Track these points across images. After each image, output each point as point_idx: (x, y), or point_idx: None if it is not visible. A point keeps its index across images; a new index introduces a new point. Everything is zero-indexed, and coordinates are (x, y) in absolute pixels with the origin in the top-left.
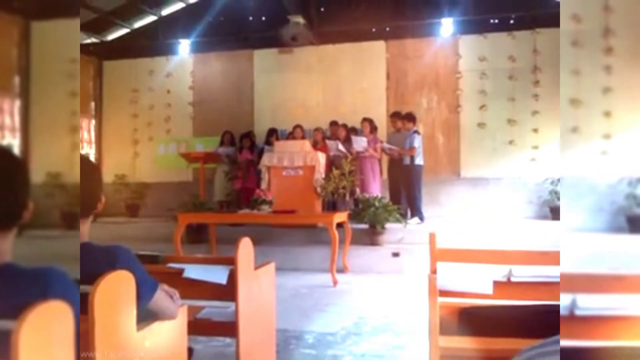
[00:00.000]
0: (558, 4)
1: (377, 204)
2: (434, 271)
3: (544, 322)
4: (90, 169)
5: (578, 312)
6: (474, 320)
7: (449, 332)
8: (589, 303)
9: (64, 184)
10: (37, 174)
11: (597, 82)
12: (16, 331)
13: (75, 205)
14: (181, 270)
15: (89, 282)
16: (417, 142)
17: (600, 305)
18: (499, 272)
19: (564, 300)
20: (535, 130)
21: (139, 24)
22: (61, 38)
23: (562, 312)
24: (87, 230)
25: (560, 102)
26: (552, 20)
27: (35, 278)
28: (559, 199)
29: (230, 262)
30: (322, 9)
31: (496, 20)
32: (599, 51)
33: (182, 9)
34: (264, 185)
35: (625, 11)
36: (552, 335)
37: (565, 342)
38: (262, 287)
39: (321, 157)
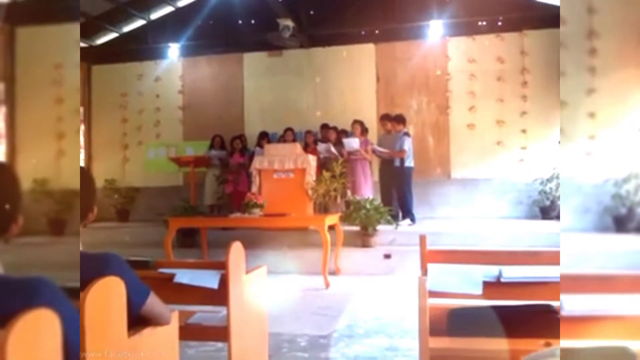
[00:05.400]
0: (545, 6)
1: (368, 205)
2: (424, 273)
3: (532, 322)
4: (85, 179)
5: (565, 313)
6: (463, 321)
7: (439, 333)
8: (575, 303)
9: (50, 191)
10: (24, 181)
11: (581, 83)
12: (3, 341)
13: (62, 212)
14: (172, 276)
15: (80, 289)
16: (407, 144)
17: (587, 305)
18: (489, 272)
19: (552, 302)
20: (524, 131)
21: (127, 28)
22: (47, 44)
23: (549, 314)
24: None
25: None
26: (539, 22)
27: (22, 288)
28: (548, 198)
29: (221, 266)
30: (312, 12)
31: (484, 22)
32: (583, 53)
33: (171, 13)
34: (254, 189)
35: (608, 13)
36: (540, 335)
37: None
38: (253, 290)
39: (312, 160)
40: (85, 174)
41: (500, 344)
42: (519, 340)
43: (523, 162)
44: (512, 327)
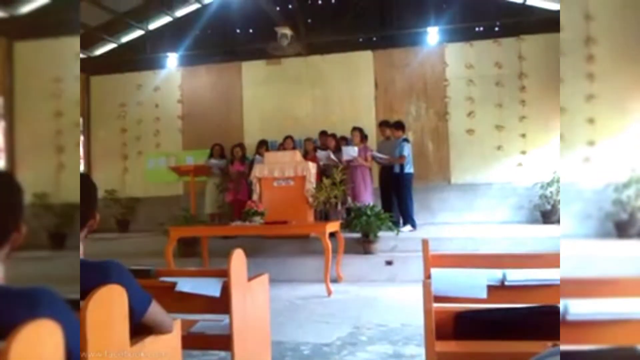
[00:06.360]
0: (541, 10)
1: (369, 212)
2: (428, 276)
3: (538, 324)
4: (85, 184)
5: (570, 317)
6: (469, 324)
7: (445, 337)
8: (581, 307)
9: (50, 205)
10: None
11: (580, 89)
12: (4, 352)
13: (63, 226)
14: (173, 284)
15: (82, 298)
16: (407, 150)
17: (592, 309)
18: (493, 276)
19: (558, 304)
20: (523, 136)
21: (126, 38)
22: (46, 57)
23: (555, 316)
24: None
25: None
26: (536, 27)
27: (23, 298)
28: (549, 202)
29: (223, 274)
30: (309, 20)
31: (481, 28)
32: (581, 59)
33: (169, 23)
34: (255, 197)
35: (605, 19)
36: (547, 337)
37: (564, 348)
38: (256, 298)
39: (312, 167)
40: (86, 179)
41: (507, 347)
42: (527, 343)
43: (523, 167)
44: (520, 330)
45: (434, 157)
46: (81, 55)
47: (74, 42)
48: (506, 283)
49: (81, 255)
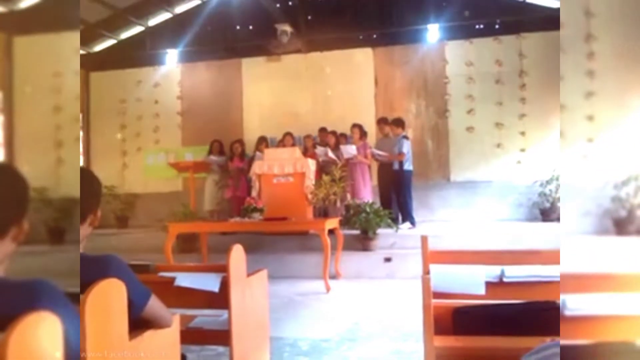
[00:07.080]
0: (542, 8)
1: (368, 209)
2: (426, 272)
3: (537, 319)
4: (84, 178)
5: (569, 313)
6: (468, 319)
7: (444, 332)
8: (580, 303)
9: (49, 199)
10: None
11: (580, 86)
12: (3, 343)
13: (62, 220)
14: (172, 279)
15: (81, 292)
16: (406, 147)
17: (589, 305)
18: (492, 272)
19: (557, 300)
20: (523, 133)
21: (126, 34)
22: (46, 52)
23: (554, 311)
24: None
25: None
26: (536, 24)
27: (23, 290)
28: (548, 200)
29: (222, 269)
30: (309, 17)
31: (481, 26)
32: (581, 56)
33: (169, 20)
34: (254, 194)
35: (605, 16)
36: (545, 333)
37: (563, 342)
38: (254, 294)
39: (311, 164)
40: (86, 173)
41: (507, 342)
42: (525, 338)
43: (522, 165)
44: (519, 325)
45: (433, 155)
46: (81, 51)
47: (74, 37)
48: (504, 279)
49: (80, 250)
